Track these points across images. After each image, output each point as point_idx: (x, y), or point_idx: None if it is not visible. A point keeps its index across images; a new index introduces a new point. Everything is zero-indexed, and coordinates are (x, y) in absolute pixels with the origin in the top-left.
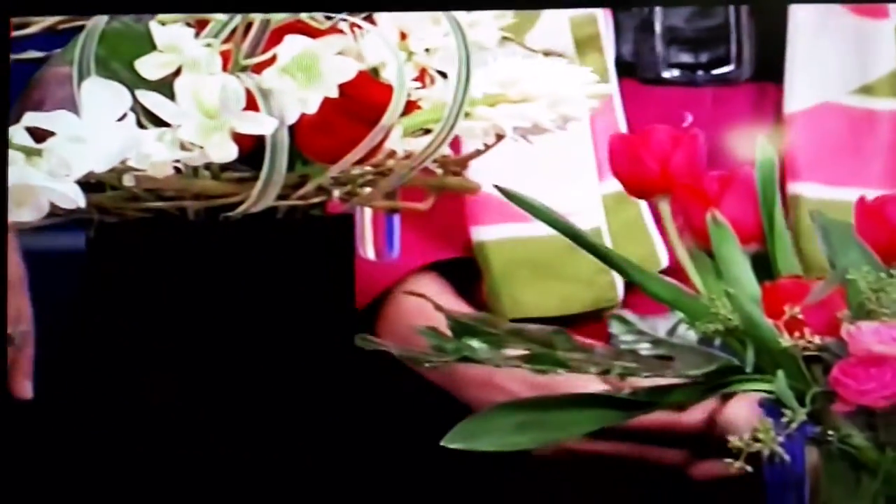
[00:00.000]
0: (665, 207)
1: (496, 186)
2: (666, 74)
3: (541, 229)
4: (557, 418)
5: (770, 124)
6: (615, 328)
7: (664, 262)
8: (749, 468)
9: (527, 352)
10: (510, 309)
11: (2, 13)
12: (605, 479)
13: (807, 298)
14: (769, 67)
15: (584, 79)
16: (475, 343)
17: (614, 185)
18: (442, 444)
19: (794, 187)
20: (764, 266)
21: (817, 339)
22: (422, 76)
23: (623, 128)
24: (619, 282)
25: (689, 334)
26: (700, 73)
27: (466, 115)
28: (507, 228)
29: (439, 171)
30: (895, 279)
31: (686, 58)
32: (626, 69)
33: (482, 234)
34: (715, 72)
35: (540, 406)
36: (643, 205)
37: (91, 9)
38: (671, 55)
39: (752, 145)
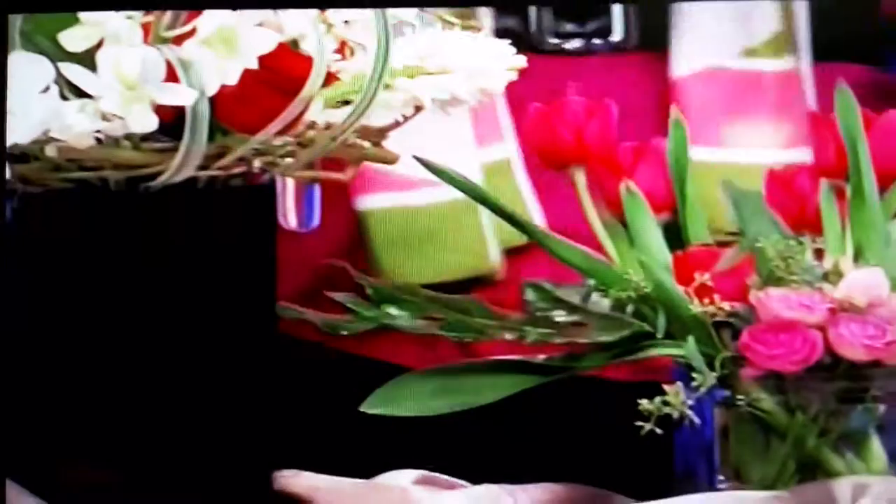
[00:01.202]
0: (580, 177)
1: (415, 157)
2: (552, 44)
3: (421, 198)
4: (474, 383)
5: (658, 91)
6: (530, 295)
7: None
8: (659, 431)
9: (443, 319)
10: (390, 276)
11: (0, 10)
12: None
13: (717, 266)
14: (655, 35)
15: (502, 51)
16: (394, 310)
17: (492, 154)
18: (361, 409)
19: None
20: (675, 235)
21: (727, 306)
22: (342, 48)
23: (504, 97)
24: (498, 251)
25: (602, 301)
26: (586, 42)
27: (386, 86)
28: (388, 198)
29: (360, 141)
30: (804, 247)
31: (572, 27)
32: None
33: (365, 203)
34: (601, 41)
35: (457, 371)
36: (521, 173)
37: (88, 5)
38: (558, 25)
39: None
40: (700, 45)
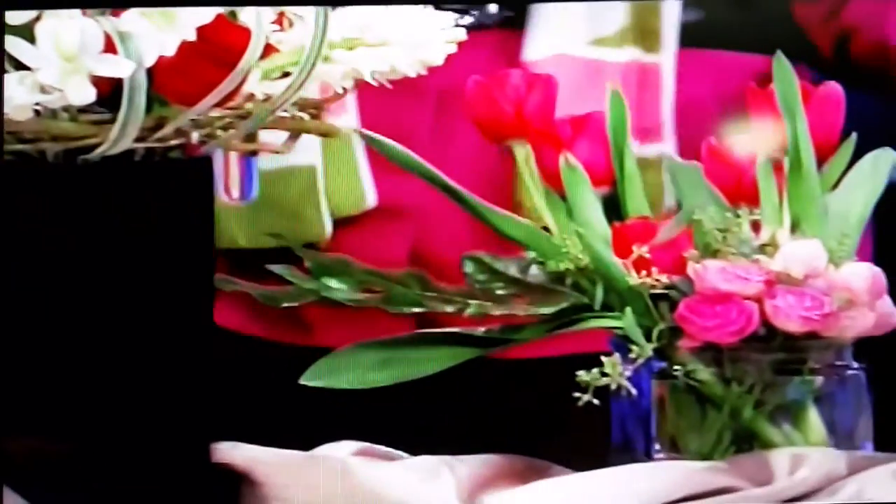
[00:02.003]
0: (520, 150)
1: (359, 132)
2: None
3: (261, 164)
4: (415, 355)
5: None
6: (469, 268)
7: (371, 201)
8: (596, 402)
9: (383, 292)
10: (225, 240)
11: None
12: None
13: (654, 238)
14: (518, 16)
15: (442, 23)
16: (333, 283)
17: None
18: (301, 382)
19: None
20: (614, 207)
21: (664, 278)
22: (280, 19)
23: None
24: (328, 219)
25: (541, 273)
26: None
27: (325, 58)
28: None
29: (298, 113)
30: (741, 219)
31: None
32: None
33: None
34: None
35: (398, 344)
36: (357, 144)
37: (85, 1)
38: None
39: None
40: (553, 31)
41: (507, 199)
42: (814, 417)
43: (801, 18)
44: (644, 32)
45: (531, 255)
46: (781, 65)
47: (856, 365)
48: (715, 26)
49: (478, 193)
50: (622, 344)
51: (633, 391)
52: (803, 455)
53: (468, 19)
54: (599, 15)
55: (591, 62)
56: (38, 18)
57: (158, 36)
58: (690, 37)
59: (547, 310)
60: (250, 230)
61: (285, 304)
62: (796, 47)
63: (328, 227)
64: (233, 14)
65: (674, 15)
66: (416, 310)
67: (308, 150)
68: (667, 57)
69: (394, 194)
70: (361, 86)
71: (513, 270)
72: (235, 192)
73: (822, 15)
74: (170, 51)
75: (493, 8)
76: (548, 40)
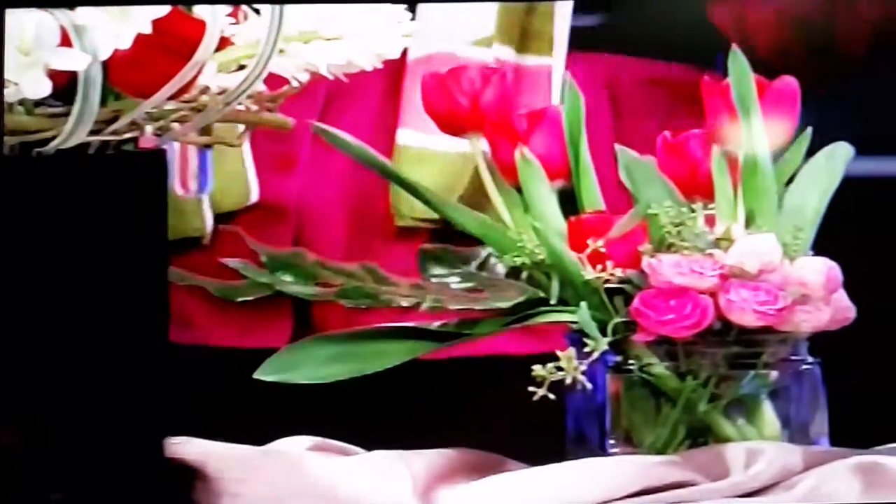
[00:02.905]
0: (476, 144)
1: (317, 127)
2: None
3: None
4: (370, 349)
5: (395, 69)
6: (425, 262)
7: (254, 197)
8: (552, 396)
9: (338, 285)
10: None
11: None
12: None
13: (610, 232)
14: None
15: (397, 17)
16: (288, 277)
17: None
18: (256, 377)
19: (401, 134)
20: (570, 201)
21: (619, 272)
22: (235, 13)
23: None
24: (209, 214)
25: (497, 268)
26: None
27: (280, 51)
28: None
29: (253, 107)
30: (695, 213)
31: None
32: None
33: None
34: None
35: (353, 338)
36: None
37: (85, 1)
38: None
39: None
40: (435, 30)
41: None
42: (768, 412)
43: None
44: (533, 35)
45: (487, 249)
46: (737, 59)
47: (811, 359)
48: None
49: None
50: (577, 338)
51: (589, 385)
52: (759, 449)
53: None
54: (484, 16)
55: (472, 61)
56: None
57: (114, 29)
58: (583, 40)
59: (503, 304)
60: None
61: (240, 299)
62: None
63: (209, 222)
64: (188, 7)
65: (566, 18)
66: (372, 304)
67: None
68: (558, 59)
69: (277, 191)
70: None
71: (469, 265)
72: (193, 185)
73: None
74: (125, 44)
75: None
76: (432, 40)
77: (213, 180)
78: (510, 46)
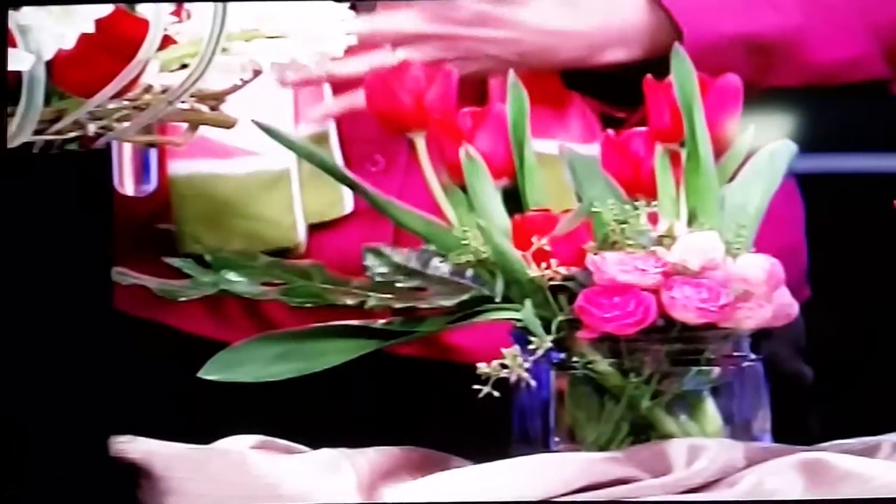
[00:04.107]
0: (420, 142)
1: (254, 122)
2: None
3: (229, 167)
4: (315, 348)
5: None
6: (370, 261)
7: (349, 207)
8: (496, 393)
9: (283, 284)
10: (191, 243)
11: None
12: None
13: (554, 230)
14: None
15: (342, 15)
16: (233, 276)
17: (309, 129)
18: (200, 375)
19: None
20: (514, 199)
21: (563, 270)
22: (178, 11)
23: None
24: (302, 224)
25: (442, 266)
26: None
27: (223, 50)
28: (198, 164)
29: (197, 105)
30: (639, 211)
31: None
32: None
33: (176, 168)
34: None
35: (298, 336)
36: (336, 149)
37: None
38: None
39: None
40: None
41: None
42: (711, 408)
43: None
44: None
45: (432, 247)
46: (679, 57)
47: (753, 356)
48: None
49: None
50: (522, 336)
51: (533, 383)
52: (701, 446)
53: None
54: None
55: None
56: None
57: (57, 28)
58: None
59: (447, 302)
60: (219, 234)
61: (182, 299)
62: None
63: (302, 233)
64: (131, 6)
65: None
66: (317, 303)
67: (283, 154)
68: None
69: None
70: None
71: (414, 263)
72: (129, 185)
73: None
74: (69, 43)
75: None
76: None
77: (303, 189)
78: None
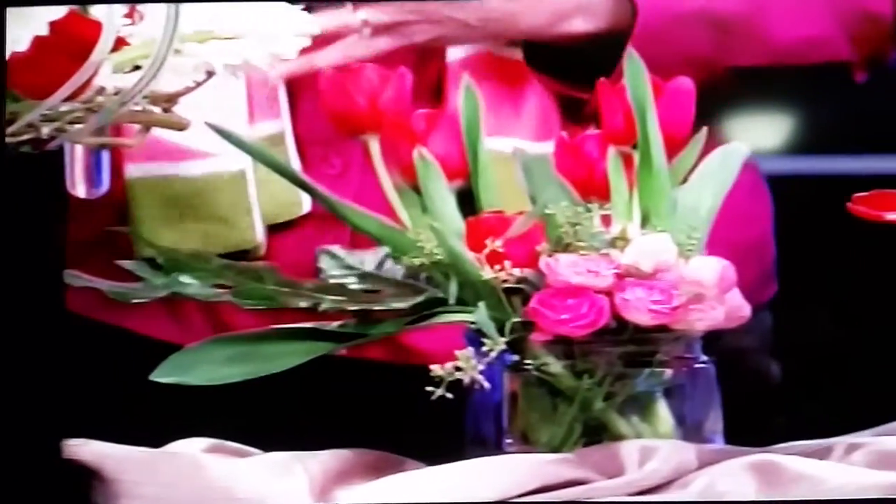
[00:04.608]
0: (374, 144)
1: (207, 124)
2: None
3: (186, 169)
4: (269, 350)
5: (435, 72)
6: (324, 263)
7: (307, 207)
8: (450, 395)
9: (236, 287)
10: (145, 246)
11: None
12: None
13: (508, 232)
14: None
15: (295, 17)
16: (185, 278)
17: (266, 129)
18: (152, 378)
19: None
20: (468, 201)
21: (517, 272)
22: (132, 13)
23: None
24: (260, 225)
25: (395, 268)
26: None
27: (176, 51)
28: (155, 166)
29: (149, 107)
30: (592, 213)
31: None
32: None
33: (132, 171)
34: None
35: (251, 339)
36: (292, 150)
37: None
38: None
39: None
40: None
41: None
42: (662, 410)
43: None
44: None
45: (385, 249)
46: (633, 60)
47: (705, 358)
48: None
49: None
50: (476, 338)
51: (486, 385)
52: (653, 447)
53: None
54: None
55: (511, 62)
56: None
57: (11, 31)
58: None
59: (401, 304)
60: (176, 237)
61: (135, 301)
62: None
63: (260, 234)
64: (84, 8)
65: None
66: (270, 305)
67: (238, 155)
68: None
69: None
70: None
71: (367, 265)
72: (81, 187)
73: None
74: (22, 46)
75: None
76: None
77: (259, 190)
78: None
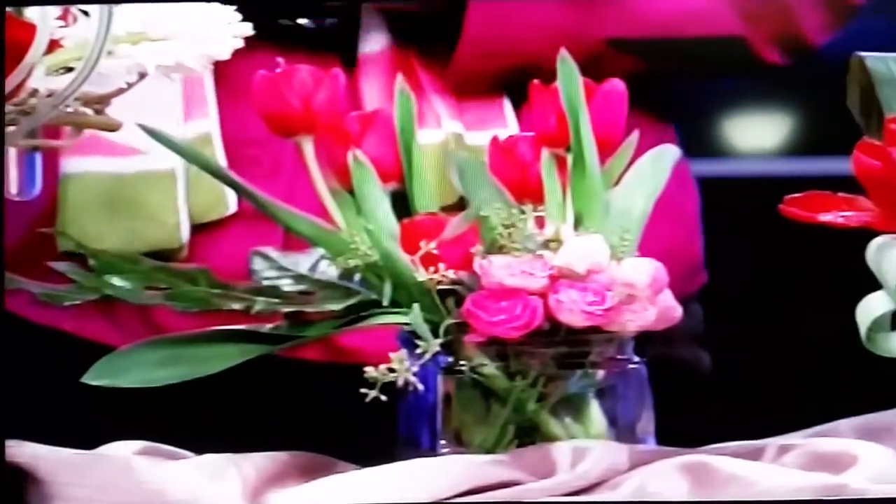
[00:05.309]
0: (308, 146)
1: (138, 124)
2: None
3: (116, 166)
4: (201, 353)
5: (347, 65)
6: (257, 264)
7: (233, 207)
8: (384, 398)
9: (168, 289)
10: (67, 242)
11: None
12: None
13: (442, 234)
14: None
15: (228, 18)
16: (117, 281)
17: (199, 128)
18: (84, 380)
19: None
20: (403, 203)
21: (451, 274)
22: (65, 15)
23: (210, 74)
24: (186, 224)
25: (330, 270)
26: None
27: (109, 53)
28: (87, 162)
29: (82, 109)
30: (526, 215)
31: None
32: None
33: (66, 167)
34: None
35: (184, 341)
36: (219, 149)
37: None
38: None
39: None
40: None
41: None
42: (595, 411)
43: None
44: None
45: (319, 251)
46: (565, 63)
47: (637, 359)
48: None
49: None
50: (410, 339)
51: (420, 386)
52: (585, 448)
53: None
54: None
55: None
56: None
57: None
58: None
59: (335, 306)
60: (102, 234)
61: (67, 304)
62: None
63: (186, 233)
64: (18, 10)
65: None
66: (203, 307)
67: (166, 155)
68: None
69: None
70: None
71: (301, 267)
72: (14, 189)
73: None
74: None
75: None
76: (381, 34)
77: (187, 190)
78: None
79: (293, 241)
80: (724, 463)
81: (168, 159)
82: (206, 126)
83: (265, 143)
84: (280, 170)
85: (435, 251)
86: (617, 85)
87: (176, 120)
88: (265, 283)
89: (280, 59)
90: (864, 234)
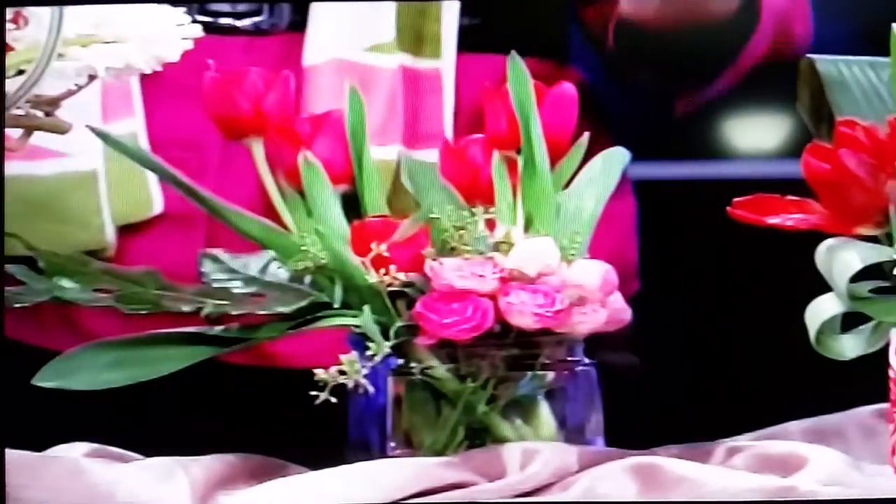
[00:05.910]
0: (258, 148)
1: (88, 127)
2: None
3: (36, 169)
4: (150, 355)
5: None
6: (206, 267)
7: (158, 208)
8: (334, 400)
9: (118, 291)
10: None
11: None
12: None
13: (393, 236)
14: (303, 20)
15: (177, 20)
16: (66, 282)
17: (123, 128)
18: (33, 382)
19: None
20: (353, 205)
21: (402, 276)
22: (16, 18)
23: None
24: (111, 226)
25: (280, 272)
26: (231, 21)
27: (60, 55)
28: (13, 166)
29: (32, 111)
30: (476, 218)
31: (220, 6)
32: None
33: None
34: (246, 21)
35: (133, 343)
36: (143, 147)
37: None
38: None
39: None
40: (333, 35)
41: None
42: (545, 412)
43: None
44: (422, 38)
45: (269, 253)
46: (515, 65)
47: (587, 361)
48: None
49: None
50: (360, 342)
51: (371, 389)
52: (535, 449)
53: (259, 20)
54: (375, 20)
55: (367, 68)
56: None
57: None
58: (470, 41)
59: (285, 308)
60: (25, 234)
61: (17, 305)
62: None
63: (110, 235)
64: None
65: (452, 19)
66: (152, 309)
67: (89, 155)
68: (447, 62)
69: (185, 200)
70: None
71: (251, 269)
72: None
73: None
74: None
75: (285, 9)
76: (327, 45)
77: (110, 191)
78: (408, 51)
79: (217, 241)
80: (674, 464)
81: (89, 160)
82: (131, 126)
83: (191, 145)
84: (206, 172)
85: (386, 253)
86: (567, 88)
87: (94, 120)
88: (215, 285)
89: (210, 61)
90: (814, 237)
